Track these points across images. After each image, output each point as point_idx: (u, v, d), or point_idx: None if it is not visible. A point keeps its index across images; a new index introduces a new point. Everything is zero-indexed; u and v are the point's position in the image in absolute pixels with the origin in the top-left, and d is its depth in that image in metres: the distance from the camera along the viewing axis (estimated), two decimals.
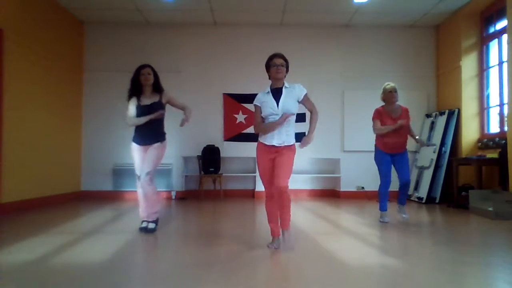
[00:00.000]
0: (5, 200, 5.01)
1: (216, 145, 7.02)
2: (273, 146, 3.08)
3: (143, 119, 3.77)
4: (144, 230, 3.79)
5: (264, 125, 3.12)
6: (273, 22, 7.17)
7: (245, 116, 7.21)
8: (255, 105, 3.21)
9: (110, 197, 6.79)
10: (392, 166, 4.50)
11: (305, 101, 3.16)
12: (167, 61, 7.05)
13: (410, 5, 6.43)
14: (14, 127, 5.19)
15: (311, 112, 3.19)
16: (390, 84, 4.46)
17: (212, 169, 6.79)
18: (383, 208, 4.50)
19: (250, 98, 7.18)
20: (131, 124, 3.87)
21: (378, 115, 4.49)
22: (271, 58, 3.15)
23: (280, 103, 3.07)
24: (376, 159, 4.55)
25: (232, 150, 7.16)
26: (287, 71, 3.18)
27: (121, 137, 6.72)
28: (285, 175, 3.03)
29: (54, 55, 6.24)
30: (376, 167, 4.59)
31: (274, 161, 3.10)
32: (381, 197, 4.51)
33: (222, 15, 6.90)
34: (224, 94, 7.25)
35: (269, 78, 3.21)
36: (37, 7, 5.78)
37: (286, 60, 3.17)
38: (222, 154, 7.00)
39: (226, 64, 7.26)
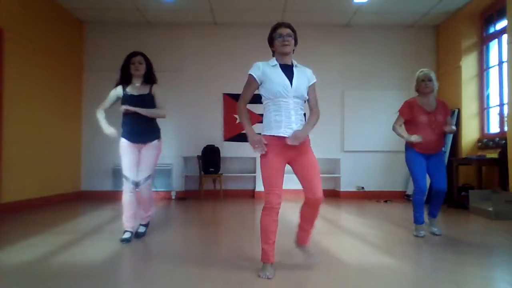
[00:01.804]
0: (5, 200, 5.01)
1: (216, 145, 7.02)
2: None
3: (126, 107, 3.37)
4: (126, 241, 3.31)
5: (245, 118, 2.49)
6: (273, 22, 7.08)
7: None
8: (251, 75, 2.49)
9: (110, 197, 6.78)
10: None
11: (310, 91, 2.59)
12: (167, 61, 7.04)
13: (410, 5, 6.43)
14: (14, 127, 5.19)
15: (311, 109, 2.61)
16: (423, 71, 3.71)
17: (212, 169, 6.79)
18: (418, 221, 3.68)
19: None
20: (97, 115, 3.48)
21: (407, 109, 3.69)
22: (275, 28, 2.54)
23: (294, 83, 2.45)
24: (407, 160, 3.74)
25: (232, 150, 7.16)
26: (295, 44, 2.55)
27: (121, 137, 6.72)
28: (320, 181, 2.50)
29: (54, 55, 6.24)
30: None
31: (294, 161, 2.49)
32: (416, 206, 3.68)
33: (222, 15, 6.90)
34: (224, 94, 7.25)
35: (273, 55, 2.59)
36: (37, 7, 5.78)
37: (293, 30, 2.54)
38: (222, 154, 7.00)
39: (226, 64, 7.25)
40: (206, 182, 7.00)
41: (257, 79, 2.49)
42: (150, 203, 3.58)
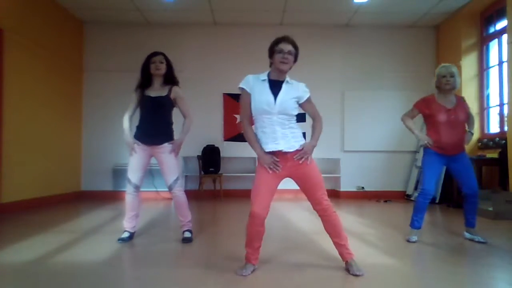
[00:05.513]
0: (5, 200, 5.02)
1: (216, 145, 7.02)
2: (282, 152, 2.43)
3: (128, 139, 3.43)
4: (123, 240, 3.35)
5: (250, 135, 2.48)
6: (273, 22, 7.17)
7: None
8: (242, 89, 2.47)
9: (110, 197, 6.79)
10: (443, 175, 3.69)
11: (306, 105, 2.53)
12: None
13: (410, 5, 6.43)
14: (14, 127, 5.19)
15: (313, 120, 2.60)
16: (444, 66, 3.44)
17: (212, 169, 6.79)
18: (414, 225, 3.49)
19: None
20: (123, 122, 3.47)
21: (423, 105, 3.51)
22: (277, 41, 2.48)
23: (278, 99, 2.40)
24: (423, 161, 3.55)
25: (232, 150, 7.16)
26: (295, 61, 2.49)
27: (121, 137, 6.71)
28: (323, 191, 2.51)
29: (54, 55, 6.24)
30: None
31: (293, 174, 2.50)
32: (416, 209, 3.48)
33: (222, 15, 6.91)
34: (224, 94, 7.26)
35: (270, 66, 2.53)
36: (37, 7, 5.79)
37: (296, 47, 2.49)
38: (222, 154, 7.01)
39: (226, 64, 7.26)
40: (206, 182, 7.00)
41: (248, 90, 2.47)
42: (186, 207, 3.48)
